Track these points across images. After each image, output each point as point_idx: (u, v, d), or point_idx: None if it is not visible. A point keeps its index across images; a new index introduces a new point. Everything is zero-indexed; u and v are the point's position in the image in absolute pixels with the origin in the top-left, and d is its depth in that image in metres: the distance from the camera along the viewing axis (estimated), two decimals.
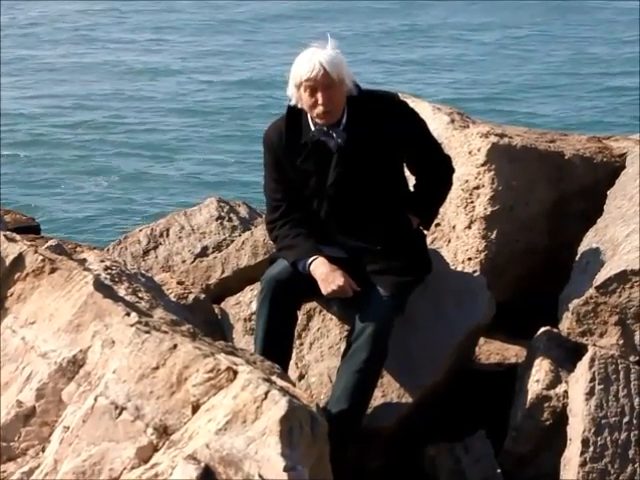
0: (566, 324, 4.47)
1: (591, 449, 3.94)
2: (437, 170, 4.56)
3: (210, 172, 17.68)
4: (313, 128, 4.33)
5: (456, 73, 25.55)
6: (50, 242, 5.07)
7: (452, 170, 4.64)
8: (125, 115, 21.75)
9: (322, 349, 4.68)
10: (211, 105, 22.68)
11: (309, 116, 4.33)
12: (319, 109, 4.24)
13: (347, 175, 4.32)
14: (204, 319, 4.84)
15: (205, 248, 5.95)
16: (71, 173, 17.57)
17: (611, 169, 5.64)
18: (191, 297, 4.97)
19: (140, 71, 26.32)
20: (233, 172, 17.68)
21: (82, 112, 21.87)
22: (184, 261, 5.89)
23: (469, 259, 5.40)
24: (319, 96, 4.21)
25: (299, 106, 4.33)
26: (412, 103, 4.88)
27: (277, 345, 4.33)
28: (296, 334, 4.58)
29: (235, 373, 2.96)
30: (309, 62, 4.19)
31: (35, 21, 32.87)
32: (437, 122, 5.65)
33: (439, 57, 27.69)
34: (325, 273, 4.26)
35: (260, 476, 2.69)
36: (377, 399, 4.42)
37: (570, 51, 27.84)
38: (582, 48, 28.24)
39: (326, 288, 4.26)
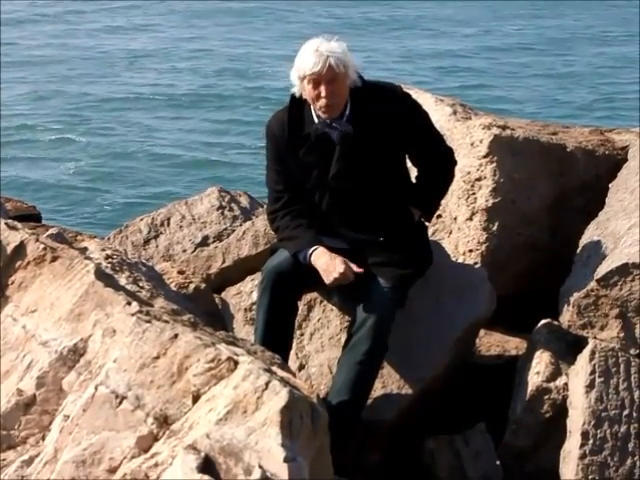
0: (567, 317, 4.47)
1: (591, 442, 3.94)
2: (439, 162, 4.55)
3: (191, 154, 18.01)
4: (316, 120, 4.32)
5: (433, 63, 25.85)
6: (51, 230, 5.08)
7: (454, 162, 4.63)
8: (105, 100, 22.02)
9: (322, 340, 4.68)
10: (191, 91, 22.95)
11: (312, 107, 4.32)
12: (322, 102, 4.23)
13: (349, 167, 4.31)
14: (205, 309, 4.83)
15: (206, 238, 5.95)
16: (50, 159, 17.74)
17: (613, 162, 5.63)
18: (192, 287, 4.97)
19: (121, 58, 26.54)
20: (211, 154, 18.03)
21: (61, 98, 22.09)
22: (185, 250, 5.89)
23: (470, 251, 5.39)
24: (322, 89, 4.20)
25: (302, 96, 4.32)
26: (415, 94, 4.87)
27: (277, 335, 4.33)
28: (297, 324, 4.59)
29: (236, 363, 2.95)
30: (313, 55, 4.18)
31: (19, 8, 33.07)
32: (439, 114, 5.64)
33: (417, 47, 27.98)
34: (326, 263, 4.26)
35: (260, 467, 2.69)
36: (377, 390, 4.42)
37: (550, 46, 28.15)
38: (563, 43, 28.58)
39: (328, 277, 4.26)
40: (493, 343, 5.27)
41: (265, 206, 5.84)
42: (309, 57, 4.19)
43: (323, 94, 4.20)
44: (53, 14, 33.14)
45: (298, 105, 4.36)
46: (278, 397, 2.79)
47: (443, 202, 5.25)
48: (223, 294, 5.15)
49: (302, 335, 4.70)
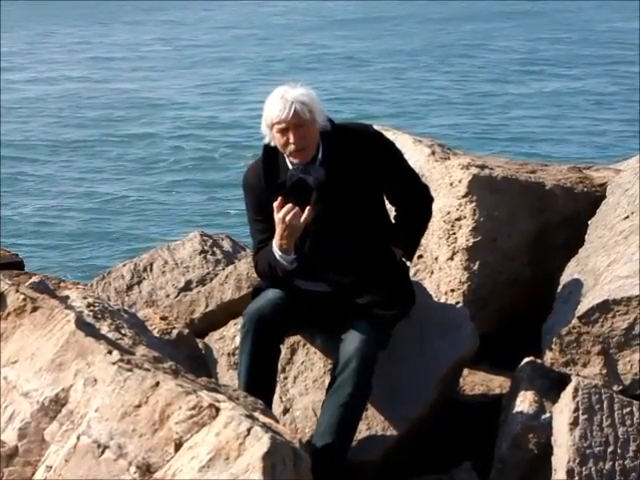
0: (550, 354, 4.48)
1: (576, 479, 3.93)
2: (416, 199, 4.57)
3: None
4: (291, 167, 4.35)
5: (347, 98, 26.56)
6: (33, 278, 5.06)
7: (431, 199, 4.65)
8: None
9: (306, 383, 4.68)
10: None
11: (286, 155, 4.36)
12: (291, 147, 4.26)
13: (328, 210, 4.33)
14: (188, 354, 4.83)
15: (189, 282, 5.95)
16: None
17: (592, 199, 5.67)
18: (175, 332, 4.96)
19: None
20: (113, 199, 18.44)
21: None
22: (168, 296, 5.89)
23: (452, 290, 5.41)
24: (290, 135, 4.24)
25: (272, 145, 4.36)
26: (392, 136, 4.91)
27: (261, 379, 4.31)
28: (280, 368, 4.57)
29: (218, 410, 2.96)
30: (279, 103, 4.23)
31: None
32: (418, 154, 5.67)
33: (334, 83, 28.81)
34: (279, 235, 4.27)
35: None
36: (362, 432, 4.41)
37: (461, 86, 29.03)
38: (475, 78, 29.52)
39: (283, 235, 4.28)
40: (477, 382, 5.27)
41: (247, 250, 5.87)
42: (275, 105, 4.24)
43: (291, 140, 4.24)
44: None
45: (272, 154, 4.40)
46: (260, 443, 2.79)
47: (424, 242, 5.28)
48: (206, 339, 5.14)
49: (286, 378, 4.69)
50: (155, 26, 44.06)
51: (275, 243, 4.31)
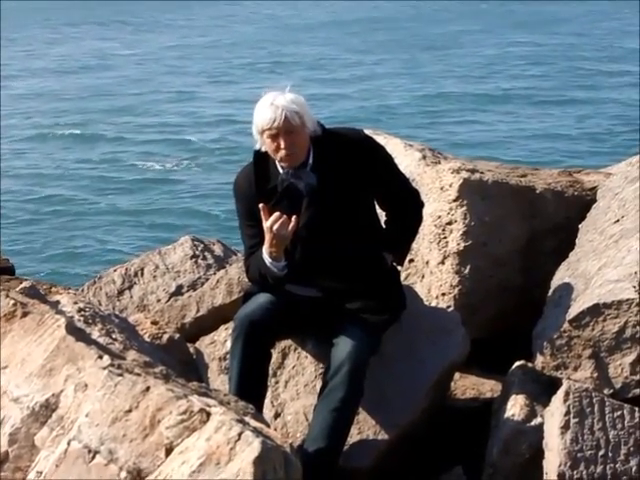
0: (540, 358, 4.49)
1: None
2: (406, 204, 4.58)
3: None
4: (282, 171, 4.36)
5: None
6: (24, 283, 5.04)
7: (421, 204, 4.65)
8: None
9: (297, 387, 4.67)
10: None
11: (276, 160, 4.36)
12: (282, 153, 4.27)
13: (319, 215, 4.33)
14: (179, 359, 4.82)
15: (180, 287, 5.94)
16: None
17: (583, 203, 5.68)
18: (165, 337, 4.95)
19: None
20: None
21: None
22: (159, 300, 5.88)
23: (443, 294, 5.41)
24: (281, 141, 4.24)
25: (263, 150, 4.37)
26: (383, 140, 4.91)
27: (252, 384, 4.31)
28: (271, 372, 4.57)
29: (208, 415, 2.95)
30: (269, 109, 4.23)
31: None
32: (409, 159, 5.67)
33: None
34: (268, 243, 4.28)
35: None
36: (353, 437, 4.40)
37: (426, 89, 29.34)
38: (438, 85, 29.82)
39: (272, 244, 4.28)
40: (468, 386, 5.27)
41: (238, 255, 5.86)
42: (265, 111, 4.25)
43: (282, 146, 4.25)
44: None
45: (262, 159, 4.41)
46: (251, 448, 2.78)
47: (415, 246, 5.29)
48: (197, 343, 5.14)
49: (277, 383, 4.69)
50: (119, 30, 44.37)
51: (265, 251, 4.31)
